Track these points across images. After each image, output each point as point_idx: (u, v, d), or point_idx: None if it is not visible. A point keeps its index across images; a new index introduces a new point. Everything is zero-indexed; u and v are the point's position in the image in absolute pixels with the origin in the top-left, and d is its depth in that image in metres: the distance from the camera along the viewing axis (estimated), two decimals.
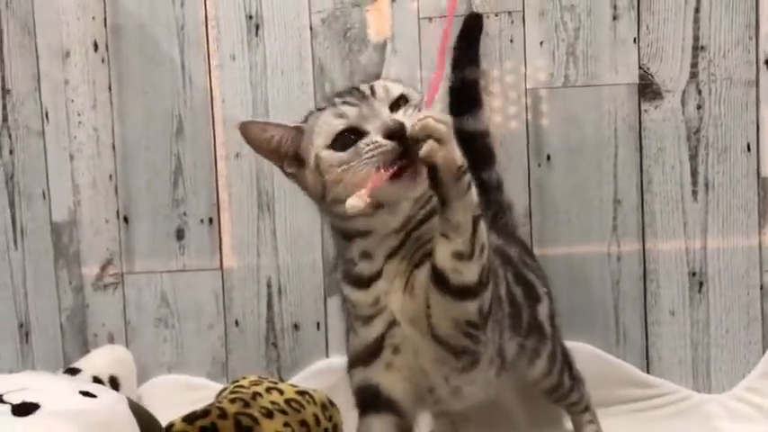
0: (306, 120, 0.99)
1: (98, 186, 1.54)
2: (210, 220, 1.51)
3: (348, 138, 0.90)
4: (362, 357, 0.97)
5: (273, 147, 0.97)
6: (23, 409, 0.89)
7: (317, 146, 0.93)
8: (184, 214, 1.52)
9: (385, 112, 0.90)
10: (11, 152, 1.44)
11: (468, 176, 0.86)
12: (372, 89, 0.93)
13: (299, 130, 0.97)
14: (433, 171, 0.83)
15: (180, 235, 1.52)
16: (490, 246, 0.93)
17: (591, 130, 1.43)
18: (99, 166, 1.53)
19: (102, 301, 1.55)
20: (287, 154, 0.97)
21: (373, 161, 0.86)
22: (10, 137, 1.44)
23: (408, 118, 0.88)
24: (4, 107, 1.44)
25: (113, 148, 1.53)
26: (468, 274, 0.88)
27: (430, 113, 0.84)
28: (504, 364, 1.05)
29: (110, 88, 1.53)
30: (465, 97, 1.25)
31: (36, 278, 1.50)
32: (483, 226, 0.90)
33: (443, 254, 0.87)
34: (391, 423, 0.97)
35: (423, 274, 0.92)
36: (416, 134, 0.82)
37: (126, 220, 1.53)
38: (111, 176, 1.53)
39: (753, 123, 1.40)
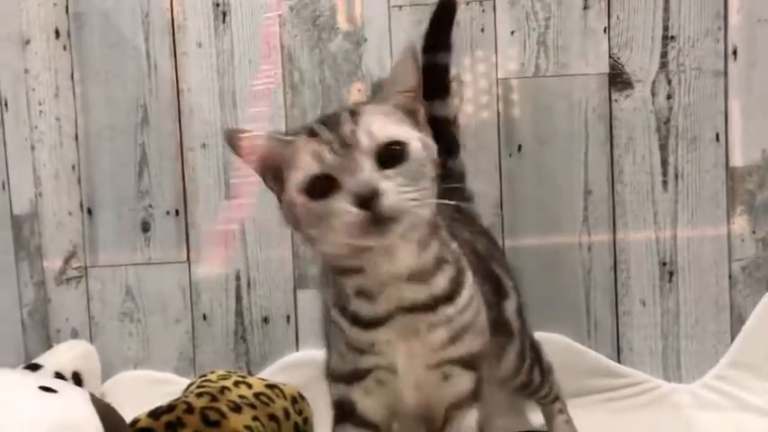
0: (296, 134, 0.87)
1: (60, 178, 1.50)
2: (177, 212, 1.48)
3: (325, 183, 0.80)
4: (344, 377, 0.94)
5: (260, 157, 0.86)
6: None
7: (294, 184, 0.83)
8: (150, 206, 1.48)
9: (366, 165, 0.78)
10: None
11: None
12: (355, 134, 0.80)
13: (287, 145, 0.85)
14: None
15: (145, 227, 1.48)
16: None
17: (562, 120, 1.43)
18: (61, 157, 1.49)
19: (65, 296, 1.51)
20: (271, 167, 0.86)
21: (340, 230, 0.78)
22: None
23: (394, 183, 0.78)
24: None
25: (76, 138, 1.49)
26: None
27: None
28: None
29: (72, 77, 1.49)
30: (434, 82, 1.23)
31: None
32: None
33: None
34: None
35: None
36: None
37: (90, 212, 1.50)
38: (74, 167, 1.49)
39: (721, 113, 1.40)
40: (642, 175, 1.42)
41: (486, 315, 0.95)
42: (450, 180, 1.23)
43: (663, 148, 1.42)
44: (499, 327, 1.10)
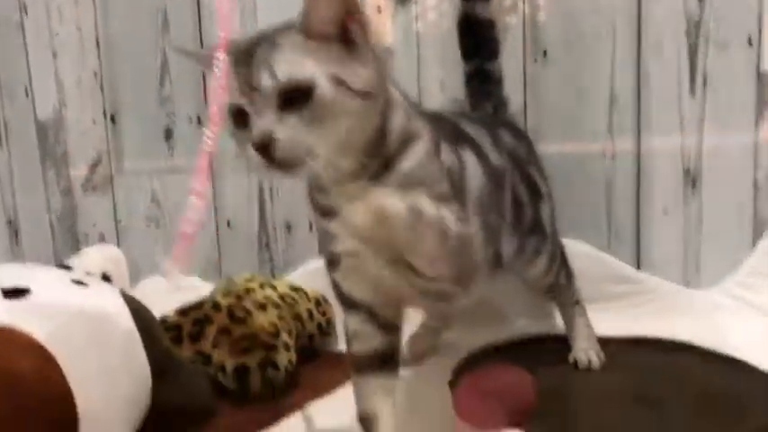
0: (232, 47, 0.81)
1: (83, 85, 1.50)
2: (199, 119, 1.48)
3: (238, 114, 0.76)
4: (328, 262, 0.93)
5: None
6: (15, 293, 0.89)
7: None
8: (172, 113, 1.48)
9: (266, 109, 0.74)
10: None
11: None
12: (259, 74, 0.74)
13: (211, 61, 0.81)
14: None
15: (168, 134, 1.49)
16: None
17: (588, 25, 1.39)
18: (83, 64, 1.49)
19: (91, 202, 1.53)
20: None
21: (251, 166, 0.75)
22: None
23: (292, 129, 0.73)
24: None
25: (97, 44, 1.48)
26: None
27: None
28: (500, 264, 1.02)
29: None
30: None
31: (23, 177, 1.48)
32: None
33: None
34: (366, 320, 0.93)
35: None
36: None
37: (113, 119, 1.50)
38: (95, 74, 1.49)
39: (755, 15, 1.36)
40: (669, 81, 1.39)
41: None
42: (487, 84, 1.22)
43: (692, 52, 1.38)
44: (535, 228, 1.11)
